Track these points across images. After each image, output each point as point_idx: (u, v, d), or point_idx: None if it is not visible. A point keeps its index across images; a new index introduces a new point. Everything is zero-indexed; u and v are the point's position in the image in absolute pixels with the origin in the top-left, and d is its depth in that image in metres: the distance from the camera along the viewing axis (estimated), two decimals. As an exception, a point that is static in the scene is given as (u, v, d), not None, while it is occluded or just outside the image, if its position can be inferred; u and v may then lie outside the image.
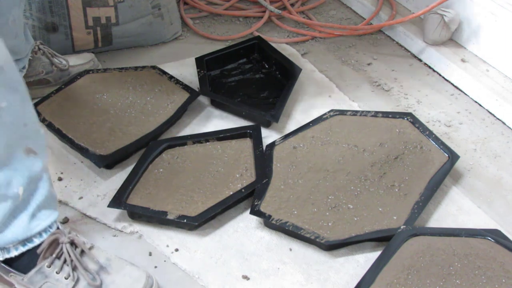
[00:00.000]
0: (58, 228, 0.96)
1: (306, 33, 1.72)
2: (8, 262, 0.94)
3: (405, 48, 1.69)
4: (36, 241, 0.92)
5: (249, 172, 1.18)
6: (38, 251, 0.93)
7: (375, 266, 0.99)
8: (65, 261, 0.93)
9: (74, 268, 0.93)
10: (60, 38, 1.48)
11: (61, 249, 0.93)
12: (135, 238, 1.09)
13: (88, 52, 1.51)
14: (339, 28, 1.73)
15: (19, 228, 0.90)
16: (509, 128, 1.40)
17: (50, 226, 0.94)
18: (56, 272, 0.92)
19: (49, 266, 0.92)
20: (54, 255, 0.93)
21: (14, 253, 0.92)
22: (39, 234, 0.93)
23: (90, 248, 0.96)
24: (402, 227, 1.06)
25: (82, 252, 0.95)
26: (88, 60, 1.47)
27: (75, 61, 1.45)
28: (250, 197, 1.16)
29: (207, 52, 1.51)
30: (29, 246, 0.92)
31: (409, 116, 1.32)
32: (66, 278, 0.92)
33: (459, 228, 1.09)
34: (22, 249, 0.92)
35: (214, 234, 1.10)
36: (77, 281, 0.92)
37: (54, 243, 0.93)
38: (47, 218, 0.93)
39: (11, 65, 0.85)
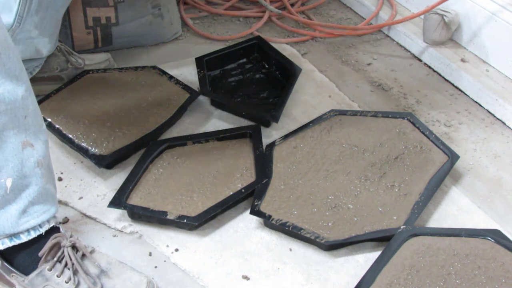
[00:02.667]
0: (59, 230, 0.95)
1: (306, 33, 1.72)
2: (10, 262, 0.94)
3: (405, 48, 1.69)
4: (24, 238, 0.91)
5: (249, 172, 1.18)
6: (40, 254, 0.92)
7: (375, 266, 0.99)
8: (66, 265, 0.92)
9: (75, 272, 0.92)
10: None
11: (63, 252, 0.93)
12: (135, 238, 1.09)
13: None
14: (339, 28, 1.73)
15: (6, 221, 0.89)
16: (509, 128, 1.40)
17: (40, 225, 0.92)
18: (57, 276, 0.92)
19: (50, 270, 0.92)
20: (55, 259, 0.92)
21: (0, 247, 0.91)
22: (27, 231, 0.91)
23: (91, 252, 0.96)
24: (402, 227, 1.06)
25: (83, 255, 0.95)
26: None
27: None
28: (250, 197, 1.16)
29: (207, 52, 1.50)
30: (16, 242, 0.91)
31: (409, 116, 1.32)
32: (66, 282, 0.92)
33: (459, 228, 1.09)
34: (8, 244, 0.91)
35: (214, 234, 1.10)
36: (77, 285, 0.92)
37: (56, 247, 0.93)
38: (38, 216, 0.91)
39: (11, 52, 0.84)
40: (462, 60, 1.55)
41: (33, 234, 0.92)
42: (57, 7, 1.27)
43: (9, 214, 0.89)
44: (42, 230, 0.93)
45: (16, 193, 0.89)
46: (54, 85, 1.39)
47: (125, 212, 1.12)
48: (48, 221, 0.94)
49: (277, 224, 1.08)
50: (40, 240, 0.93)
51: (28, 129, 0.88)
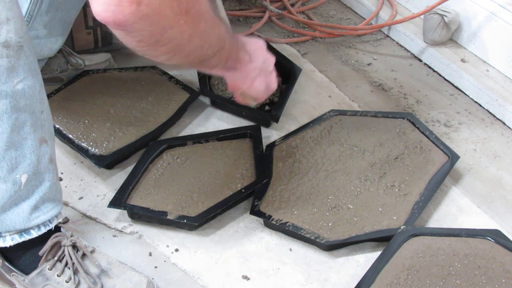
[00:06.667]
0: (60, 230, 0.96)
1: (306, 33, 1.72)
2: (10, 261, 0.94)
3: (405, 48, 1.69)
4: (34, 234, 0.92)
5: (249, 172, 1.18)
6: (40, 253, 0.92)
7: (375, 266, 0.99)
8: (66, 264, 0.93)
9: (75, 272, 0.92)
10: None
11: (63, 252, 0.93)
12: (135, 238, 1.09)
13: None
14: (339, 28, 1.73)
15: (19, 216, 0.89)
16: (509, 128, 1.40)
17: (50, 221, 0.93)
18: (57, 275, 0.92)
19: (50, 269, 0.92)
20: (56, 258, 0.93)
21: (9, 243, 0.91)
22: (38, 227, 0.92)
23: (92, 252, 0.96)
24: (402, 227, 1.06)
25: (84, 255, 0.95)
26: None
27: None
28: (250, 197, 1.16)
29: (207, 52, 1.50)
30: (26, 237, 0.91)
31: (409, 116, 1.32)
32: (67, 282, 0.92)
33: (459, 228, 1.09)
34: (18, 240, 0.91)
35: (214, 234, 1.11)
36: (78, 284, 0.92)
37: (56, 246, 0.93)
38: (48, 211, 0.92)
39: (31, 46, 0.85)
40: (462, 60, 1.55)
41: (43, 230, 0.92)
42: (67, 9, 1.28)
43: (21, 210, 0.89)
44: (52, 225, 0.93)
45: (30, 189, 0.89)
46: (54, 86, 1.39)
47: (125, 212, 1.12)
48: (56, 216, 0.94)
49: (277, 224, 1.08)
50: (40, 240, 0.93)
51: (44, 125, 0.89)
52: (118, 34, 0.71)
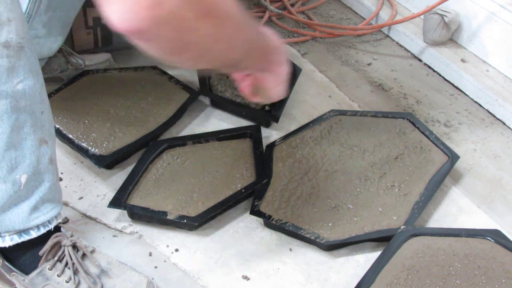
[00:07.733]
0: (60, 230, 0.96)
1: (306, 33, 1.72)
2: (10, 261, 0.94)
3: (405, 48, 1.69)
4: (33, 234, 0.92)
5: (249, 172, 1.18)
6: (40, 253, 0.92)
7: (375, 266, 0.99)
8: (66, 264, 0.93)
9: (75, 272, 0.92)
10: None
11: (63, 252, 0.93)
12: (135, 238, 1.09)
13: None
14: (339, 28, 1.73)
15: (18, 217, 0.89)
16: (509, 128, 1.40)
17: (49, 221, 0.93)
18: (57, 275, 0.92)
19: (50, 269, 0.92)
20: (56, 258, 0.93)
21: (8, 243, 0.91)
22: (37, 227, 0.92)
23: (92, 252, 0.96)
24: (402, 227, 1.06)
25: (84, 255, 0.95)
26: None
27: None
28: (250, 197, 1.16)
29: (207, 52, 1.50)
30: (25, 238, 0.91)
31: (409, 116, 1.32)
32: (67, 282, 0.92)
33: (459, 228, 1.09)
34: (17, 240, 0.91)
35: (214, 234, 1.11)
36: (78, 284, 0.92)
37: (56, 246, 0.93)
38: (48, 212, 0.92)
39: (32, 47, 0.85)
40: (462, 60, 1.55)
41: (43, 230, 0.92)
42: (66, 8, 1.28)
43: (20, 210, 0.89)
44: (51, 226, 0.93)
45: (29, 189, 0.89)
46: (54, 86, 1.39)
47: (125, 212, 1.12)
48: (56, 217, 0.94)
49: (277, 224, 1.08)
50: (41, 240, 0.93)
51: (44, 126, 0.89)
52: (139, 44, 0.67)
